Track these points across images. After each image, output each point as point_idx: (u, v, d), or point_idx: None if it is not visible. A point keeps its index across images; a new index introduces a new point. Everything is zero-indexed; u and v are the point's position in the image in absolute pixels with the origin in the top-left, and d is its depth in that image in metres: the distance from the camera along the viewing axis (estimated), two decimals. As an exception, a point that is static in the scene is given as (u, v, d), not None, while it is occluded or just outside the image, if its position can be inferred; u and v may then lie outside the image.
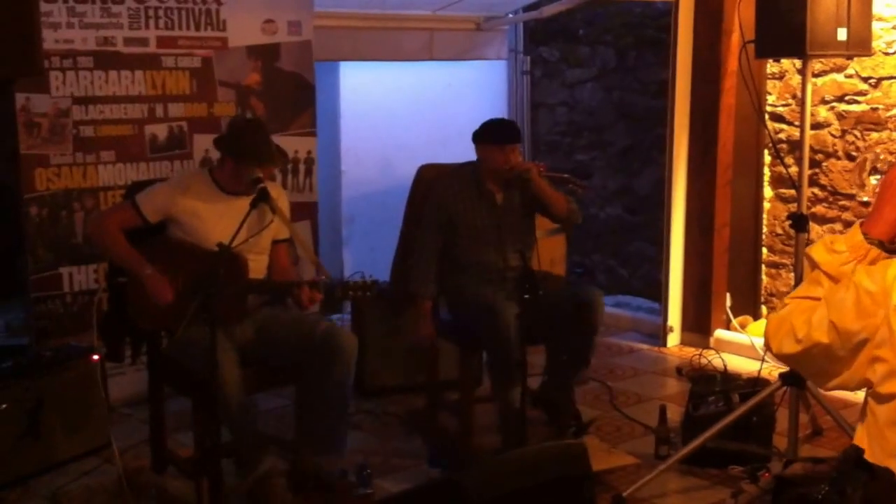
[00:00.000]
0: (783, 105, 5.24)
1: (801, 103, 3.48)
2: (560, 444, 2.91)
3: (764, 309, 5.46)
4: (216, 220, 3.38)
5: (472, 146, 3.89)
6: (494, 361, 3.70)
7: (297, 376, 3.41)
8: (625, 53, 6.30)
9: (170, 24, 4.38)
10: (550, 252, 5.31)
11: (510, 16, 6.41)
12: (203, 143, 4.41)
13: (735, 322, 5.26)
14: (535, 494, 2.47)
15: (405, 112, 6.29)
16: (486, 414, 3.88)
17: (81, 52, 4.17)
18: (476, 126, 3.89)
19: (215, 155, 3.64)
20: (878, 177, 4.77)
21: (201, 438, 3.31)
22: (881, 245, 1.97)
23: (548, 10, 6.07)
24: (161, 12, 4.35)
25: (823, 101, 5.04)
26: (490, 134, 3.78)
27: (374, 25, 5.88)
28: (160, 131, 4.41)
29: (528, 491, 2.46)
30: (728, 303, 5.30)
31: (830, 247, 2.03)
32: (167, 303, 3.29)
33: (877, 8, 4.17)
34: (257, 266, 3.46)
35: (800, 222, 3.45)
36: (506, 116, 6.50)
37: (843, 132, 5.01)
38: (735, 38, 5.02)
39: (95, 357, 3.75)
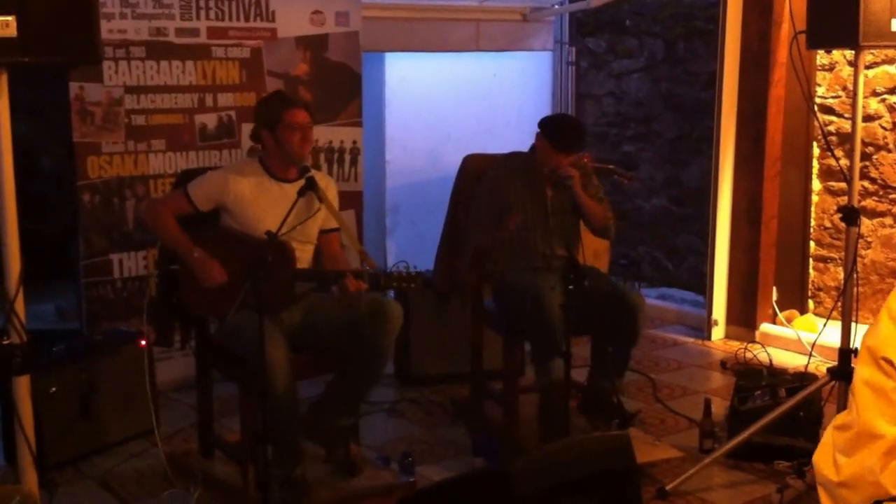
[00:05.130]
0: (833, 97, 5.17)
1: (853, 95, 3.43)
2: (605, 436, 2.90)
3: (811, 303, 5.40)
4: (266, 208, 3.41)
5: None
6: (538, 350, 3.70)
7: (343, 359, 3.43)
8: (673, 44, 6.24)
9: (220, 15, 4.44)
10: (594, 244, 5.28)
11: (556, 6, 6.38)
12: (251, 133, 4.46)
13: (781, 316, 5.21)
14: (580, 486, 2.47)
15: (450, 102, 6.29)
16: (529, 404, 3.88)
17: (134, 43, 4.23)
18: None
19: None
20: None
21: (248, 423, 3.35)
22: None
23: (595, 1, 6.04)
24: (212, 3, 4.41)
25: (874, 94, 4.96)
26: (554, 136, 3.74)
27: (420, 16, 5.89)
28: (210, 120, 4.47)
29: (573, 482, 2.46)
30: (774, 296, 5.25)
31: None
32: (217, 285, 3.33)
33: (932, -2, 4.09)
34: (303, 255, 3.48)
35: (851, 216, 3.40)
36: (550, 107, 6.50)
37: (895, 125, 4.93)
38: (785, 29, 4.96)
39: (143, 342, 3.82)
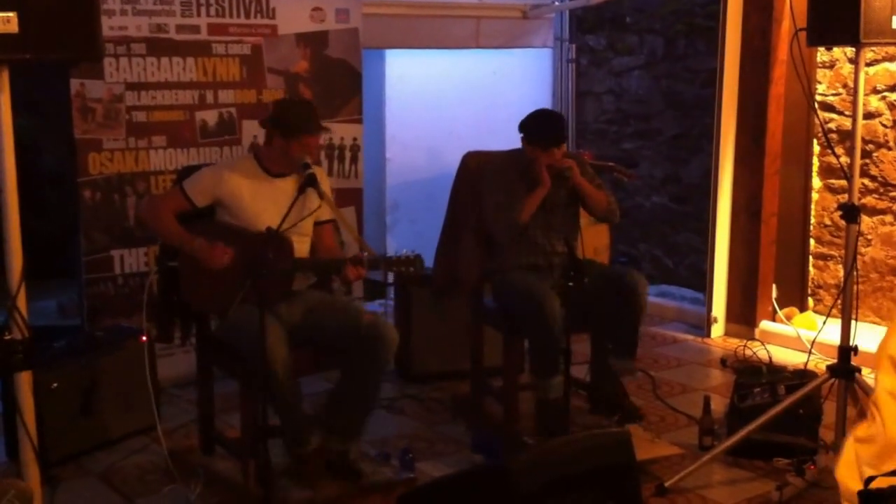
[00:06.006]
0: (833, 94, 5.17)
1: (854, 92, 3.43)
2: (605, 433, 2.91)
3: (811, 301, 5.41)
4: (262, 202, 3.43)
5: (517, 134, 3.90)
6: (536, 349, 3.71)
7: (342, 361, 3.44)
8: (673, 41, 6.24)
9: (221, 12, 4.44)
10: (594, 241, 5.30)
11: (556, 3, 6.38)
12: (252, 129, 4.46)
13: (781, 313, 5.21)
14: (580, 482, 2.48)
15: (450, 100, 6.29)
16: (529, 401, 3.89)
17: (135, 39, 4.24)
18: (521, 114, 3.90)
19: (263, 139, 3.68)
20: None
21: (249, 419, 3.36)
22: None
23: (595, -2, 6.05)
24: (212, 0, 4.41)
25: (875, 91, 4.97)
26: (535, 135, 3.79)
27: (420, 13, 5.90)
28: (210, 117, 4.48)
29: (573, 479, 2.47)
30: (774, 294, 5.25)
31: None
32: (225, 265, 3.33)
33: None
34: (300, 248, 3.49)
35: (851, 213, 3.41)
36: (551, 105, 6.50)
37: (895, 122, 4.94)
38: (786, 26, 4.96)
39: (143, 338, 3.83)
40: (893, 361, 1.89)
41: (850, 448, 1.94)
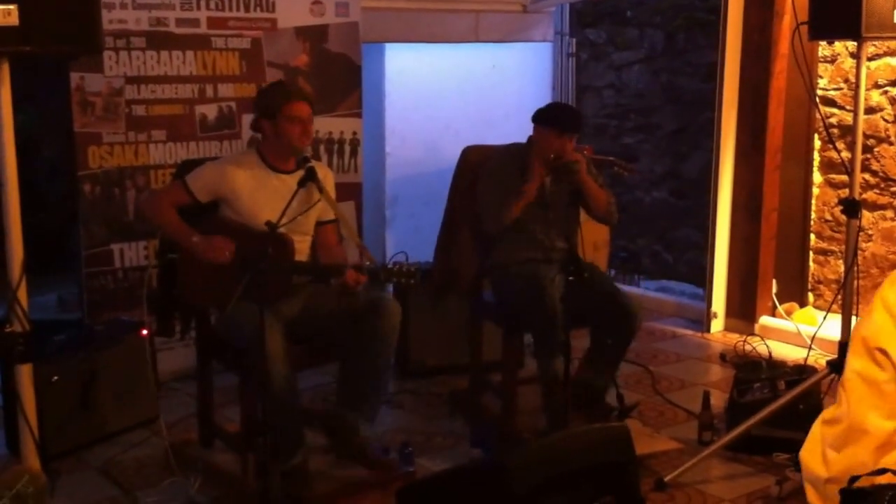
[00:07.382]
0: (835, 89, 5.16)
1: (856, 87, 3.42)
2: (604, 428, 2.91)
3: (811, 296, 5.41)
4: (265, 199, 3.41)
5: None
6: (539, 341, 3.70)
7: (343, 349, 3.43)
8: (674, 36, 6.24)
9: (220, 6, 4.43)
10: (594, 236, 5.30)
11: (557, -3, 6.38)
12: (252, 124, 4.46)
13: (781, 309, 5.21)
14: (579, 477, 2.48)
15: (450, 94, 6.29)
16: (528, 395, 3.89)
17: (134, 33, 4.23)
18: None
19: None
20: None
21: (248, 414, 3.36)
22: None
23: (596, -8, 6.04)
24: (212, -7, 4.41)
25: (876, 86, 4.96)
26: (552, 119, 3.75)
27: (420, 7, 5.89)
28: (210, 111, 4.47)
29: (572, 474, 2.47)
30: (774, 289, 5.25)
31: None
32: (227, 259, 3.31)
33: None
34: (301, 247, 3.48)
35: (852, 208, 3.40)
36: (550, 99, 6.49)
37: (897, 117, 4.94)
38: (787, 20, 4.96)
39: (144, 332, 3.83)
40: (865, 342, 1.89)
41: (816, 429, 1.95)
